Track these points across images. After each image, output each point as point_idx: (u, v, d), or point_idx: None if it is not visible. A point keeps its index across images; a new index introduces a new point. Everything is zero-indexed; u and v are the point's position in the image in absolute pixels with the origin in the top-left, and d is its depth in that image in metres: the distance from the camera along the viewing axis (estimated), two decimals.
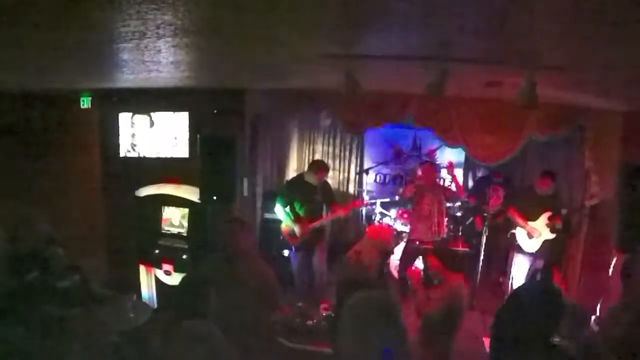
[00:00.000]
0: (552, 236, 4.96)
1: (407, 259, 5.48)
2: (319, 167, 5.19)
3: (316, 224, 5.08)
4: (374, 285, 3.03)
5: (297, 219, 5.07)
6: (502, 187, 5.88)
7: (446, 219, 5.74)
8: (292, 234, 5.10)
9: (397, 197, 6.49)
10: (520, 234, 5.07)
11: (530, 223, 5.00)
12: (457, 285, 3.38)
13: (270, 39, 2.62)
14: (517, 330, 2.07)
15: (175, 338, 2.08)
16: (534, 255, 5.05)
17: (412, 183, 5.60)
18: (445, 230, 5.74)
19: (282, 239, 5.29)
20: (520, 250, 5.10)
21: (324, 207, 5.31)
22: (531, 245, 5.01)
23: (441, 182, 5.64)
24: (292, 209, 5.10)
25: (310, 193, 5.08)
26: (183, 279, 2.80)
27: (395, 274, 5.97)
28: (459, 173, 7.19)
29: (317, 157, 7.57)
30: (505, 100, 4.35)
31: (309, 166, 5.44)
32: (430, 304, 3.37)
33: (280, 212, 5.16)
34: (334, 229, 6.71)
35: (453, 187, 5.65)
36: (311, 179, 5.10)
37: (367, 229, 4.74)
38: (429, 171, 5.53)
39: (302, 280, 5.20)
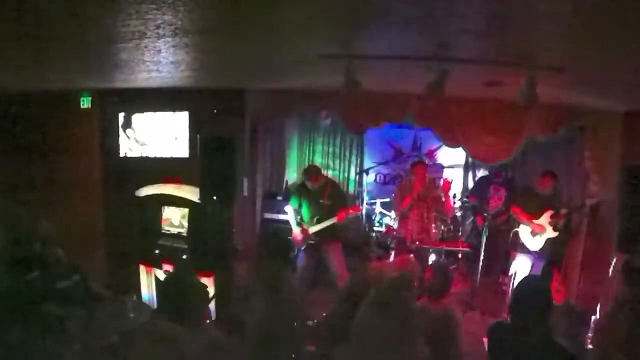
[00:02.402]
0: (555, 234, 4.96)
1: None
2: (309, 173, 5.14)
3: (315, 228, 5.04)
4: None
5: (299, 223, 5.11)
6: (502, 187, 5.87)
7: (435, 224, 5.64)
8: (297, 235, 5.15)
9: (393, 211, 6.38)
10: (523, 232, 5.07)
11: (534, 222, 5.00)
12: (447, 308, 3.12)
13: (270, 39, 2.63)
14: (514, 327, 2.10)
15: (139, 337, 2.05)
16: (535, 254, 5.04)
17: (403, 196, 5.54)
18: (436, 233, 5.66)
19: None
20: (522, 249, 5.09)
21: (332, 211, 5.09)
22: (535, 243, 5.00)
23: (435, 183, 5.59)
24: (300, 212, 5.14)
25: (314, 197, 5.06)
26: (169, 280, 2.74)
27: None
28: (458, 174, 7.23)
29: (317, 157, 7.57)
30: (505, 100, 4.35)
31: (303, 172, 5.42)
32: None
33: (290, 213, 5.20)
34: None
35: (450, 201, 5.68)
36: (308, 184, 5.08)
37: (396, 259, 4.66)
38: (421, 170, 5.47)
39: (304, 280, 5.19)
